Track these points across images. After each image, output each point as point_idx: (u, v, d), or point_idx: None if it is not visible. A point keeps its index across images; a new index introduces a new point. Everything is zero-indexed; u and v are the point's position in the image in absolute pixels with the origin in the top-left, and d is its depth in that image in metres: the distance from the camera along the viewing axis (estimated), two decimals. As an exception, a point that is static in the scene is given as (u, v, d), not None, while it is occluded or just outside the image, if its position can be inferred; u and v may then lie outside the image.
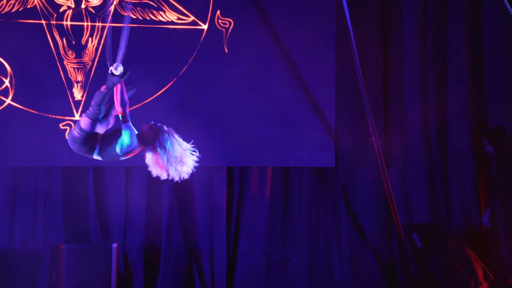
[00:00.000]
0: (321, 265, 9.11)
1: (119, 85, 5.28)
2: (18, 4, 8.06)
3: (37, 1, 8.12)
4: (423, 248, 8.72)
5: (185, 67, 8.50)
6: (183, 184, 8.69)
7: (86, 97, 8.25)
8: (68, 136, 5.53)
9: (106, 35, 5.74)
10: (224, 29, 8.62)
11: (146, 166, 8.50)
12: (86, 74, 8.25)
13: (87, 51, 8.23)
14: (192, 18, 8.52)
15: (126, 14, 5.86)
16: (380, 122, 9.15)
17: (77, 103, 8.26)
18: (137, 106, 8.15)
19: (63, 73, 8.22)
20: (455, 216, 9.22)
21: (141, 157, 8.38)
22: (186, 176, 5.60)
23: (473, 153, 9.28)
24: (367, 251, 9.19)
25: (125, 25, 5.36)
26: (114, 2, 8.29)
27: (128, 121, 5.35)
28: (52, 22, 8.16)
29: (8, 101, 8.10)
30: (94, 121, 5.36)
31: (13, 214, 8.28)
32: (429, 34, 9.25)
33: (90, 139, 5.38)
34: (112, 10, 8.30)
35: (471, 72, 9.32)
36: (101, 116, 5.40)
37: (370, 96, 8.99)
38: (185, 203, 8.79)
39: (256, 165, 8.91)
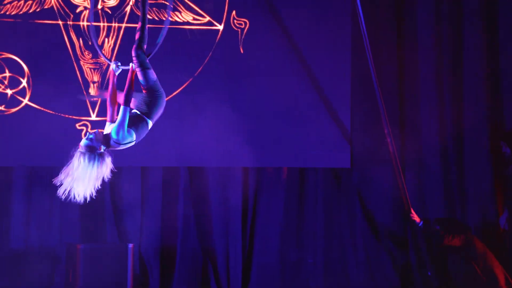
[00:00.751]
0: (336, 265, 9.08)
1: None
2: (36, 4, 8.12)
3: (54, 2, 8.17)
4: (447, 235, 8.51)
5: (201, 67, 8.52)
6: (198, 184, 8.73)
7: (102, 97, 8.28)
8: None
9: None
10: (239, 30, 8.64)
11: (161, 166, 8.61)
12: (103, 75, 8.29)
13: (103, 52, 8.27)
14: (207, 18, 8.54)
15: (167, 17, 6.05)
16: (396, 123, 9.13)
17: (94, 103, 8.29)
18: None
19: (80, 73, 8.27)
20: (472, 218, 9.17)
21: (156, 157, 8.46)
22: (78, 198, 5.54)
23: (490, 154, 9.23)
24: (382, 252, 9.16)
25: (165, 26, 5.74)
26: (130, 3, 8.33)
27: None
28: (68, 22, 8.21)
29: (26, 101, 8.16)
30: None
31: (29, 213, 8.32)
32: (445, 34, 9.22)
33: None
34: (128, 11, 8.34)
35: (488, 73, 9.28)
36: None
37: (386, 97, 8.96)
38: (201, 203, 8.80)
39: (271, 166, 8.91)
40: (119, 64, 5.71)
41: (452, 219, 8.98)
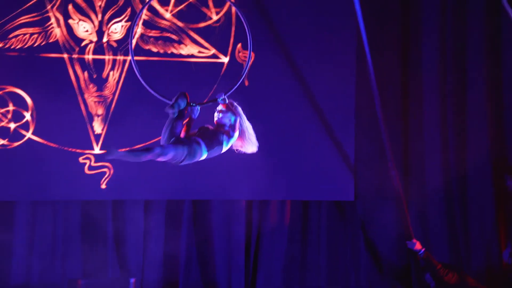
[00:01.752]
0: (340, 300, 9.05)
1: None
2: (41, 38, 8.06)
3: (60, 35, 8.11)
4: (442, 269, 8.55)
5: (206, 99, 8.47)
6: (201, 217, 8.66)
7: (106, 131, 8.22)
8: None
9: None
10: (244, 62, 8.60)
11: (164, 199, 8.54)
12: (107, 108, 8.23)
13: (108, 85, 8.22)
14: (213, 51, 8.50)
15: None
16: (400, 157, 9.10)
17: (97, 137, 8.22)
18: (156, 139, 8.10)
19: (84, 106, 8.20)
20: (476, 253, 9.13)
21: (159, 189, 8.39)
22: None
23: (493, 189, 9.20)
24: (386, 286, 9.11)
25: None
26: (136, 36, 8.28)
27: None
28: (74, 56, 8.15)
29: (29, 135, 8.07)
30: None
31: (32, 248, 8.24)
32: (449, 68, 9.20)
33: None
34: (134, 44, 8.29)
35: (492, 107, 9.26)
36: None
37: (390, 131, 8.94)
38: (204, 236, 8.74)
39: (275, 199, 8.86)
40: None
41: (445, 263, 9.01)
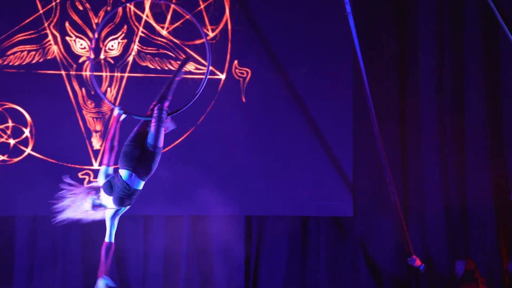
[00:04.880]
0: (340, 317, 9.01)
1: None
2: (39, 55, 8.21)
3: (57, 52, 8.26)
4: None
5: (203, 116, 8.56)
6: (201, 234, 8.68)
7: (104, 147, 8.31)
8: None
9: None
10: (241, 79, 8.69)
11: (164, 215, 8.58)
12: (105, 124, 8.33)
13: (106, 101, 8.32)
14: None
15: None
16: (399, 171, 9.09)
17: (96, 152, 8.32)
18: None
19: (82, 122, 8.31)
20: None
21: (158, 205, 8.44)
22: None
23: (493, 203, 9.16)
24: (386, 302, 9.08)
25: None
26: (133, 53, 8.40)
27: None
28: (71, 72, 8.29)
29: (28, 150, 8.19)
30: None
31: (32, 263, 8.29)
32: (446, 81, 9.23)
33: None
34: (130, 61, 8.41)
35: (490, 121, 9.25)
36: None
37: (388, 146, 8.96)
38: (204, 253, 8.74)
39: (274, 214, 8.87)
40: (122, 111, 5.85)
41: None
